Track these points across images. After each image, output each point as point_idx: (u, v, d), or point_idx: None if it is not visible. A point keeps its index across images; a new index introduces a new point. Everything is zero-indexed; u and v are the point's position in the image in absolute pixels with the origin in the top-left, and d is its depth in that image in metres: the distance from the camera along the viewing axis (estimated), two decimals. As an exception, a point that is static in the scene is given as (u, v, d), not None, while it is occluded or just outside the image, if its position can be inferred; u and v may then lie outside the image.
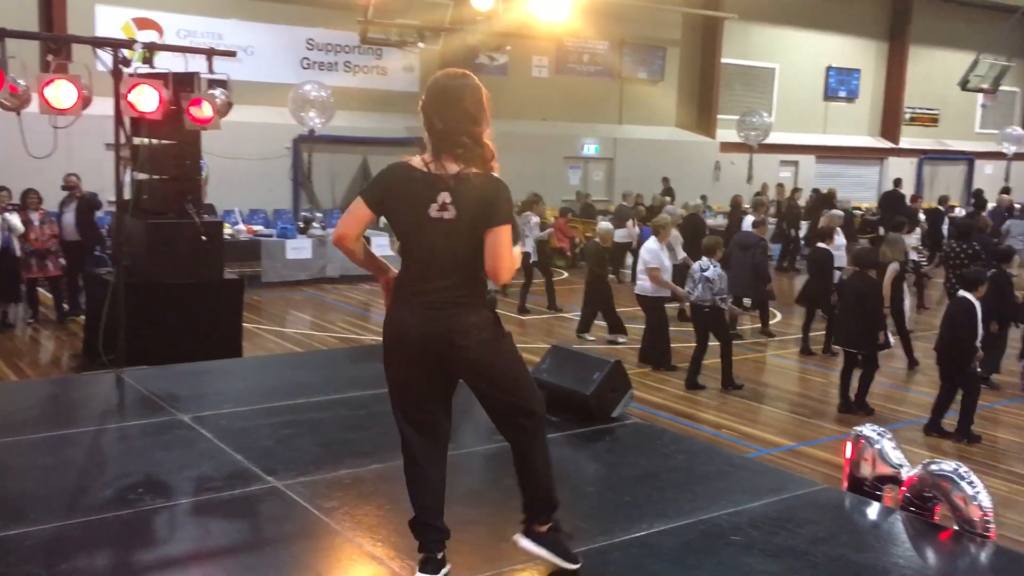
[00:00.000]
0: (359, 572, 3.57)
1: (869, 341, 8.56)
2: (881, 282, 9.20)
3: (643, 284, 9.93)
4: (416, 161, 3.23)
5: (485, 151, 3.18)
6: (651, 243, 10.07)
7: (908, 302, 11.56)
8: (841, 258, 11.09)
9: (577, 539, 3.89)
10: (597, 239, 11.36)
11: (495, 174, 3.22)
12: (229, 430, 5.10)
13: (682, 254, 11.96)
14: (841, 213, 13.88)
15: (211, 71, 7.92)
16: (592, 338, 11.11)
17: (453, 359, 3.27)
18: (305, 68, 17.24)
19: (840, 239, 11.75)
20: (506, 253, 3.16)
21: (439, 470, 3.47)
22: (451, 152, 3.15)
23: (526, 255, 12.79)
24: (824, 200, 18.31)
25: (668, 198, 18.37)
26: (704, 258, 9.32)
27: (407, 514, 4.15)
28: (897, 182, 20.84)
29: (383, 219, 3.55)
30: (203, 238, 8.17)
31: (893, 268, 10.00)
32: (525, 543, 3.46)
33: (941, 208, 18.30)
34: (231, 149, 14.90)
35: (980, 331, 7.90)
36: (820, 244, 11.27)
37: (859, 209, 20.55)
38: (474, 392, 3.43)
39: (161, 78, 7.58)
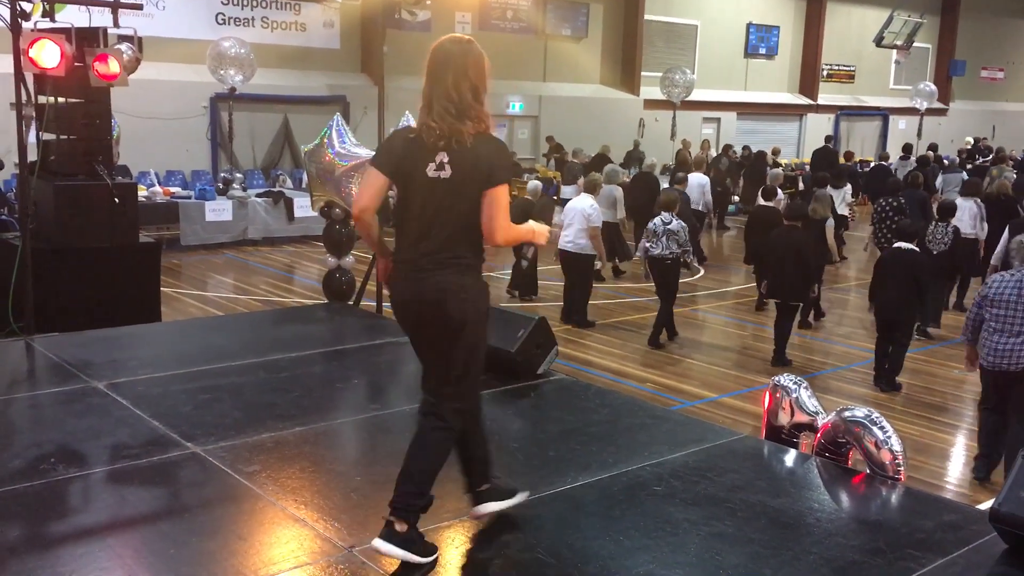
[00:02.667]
0: (283, 535, 3.53)
1: (803, 293, 8.82)
2: (809, 235, 9.33)
3: (581, 242, 9.64)
4: (415, 125, 3.27)
5: (482, 113, 3.21)
6: (591, 200, 9.88)
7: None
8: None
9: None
10: (528, 196, 11.34)
11: (493, 134, 3.27)
12: (146, 396, 4.98)
13: (621, 213, 12.11)
14: (780, 171, 14.19)
15: (116, 25, 7.60)
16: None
17: (436, 316, 3.25)
18: (220, 23, 16.70)
19: (780, 195, 12.09)
20: (502, 213, 3.19)
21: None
22: (450, 114, 3.16)
23: None
24: (758, 159, 18.56)
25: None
26: (664, 212, 9.30)
27: (331, 476, 4.14)
28: (828, 138, 21.28)
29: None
30: (115, 200, 7.89)
31: (830, 224, 10.18)
32: (379, 544, 3.19)
33: (885, 164, 18.53)
34: (145, 108, 14.41)
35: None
36: (764, 202, 11.46)
37: (789, 164, 20.90)
38: (428, 347, 3.39)
39: (63, 32, 7.24)
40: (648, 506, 3.83)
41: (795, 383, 4.73)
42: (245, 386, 5.32)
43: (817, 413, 4.61)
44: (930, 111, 25.96)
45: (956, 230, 10.06)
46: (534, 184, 11.81)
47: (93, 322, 6.83)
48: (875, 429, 4.21)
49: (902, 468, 4.18)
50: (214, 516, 3.72)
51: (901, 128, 28.12)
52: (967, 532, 3.69)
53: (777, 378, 4.82)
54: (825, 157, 18.91)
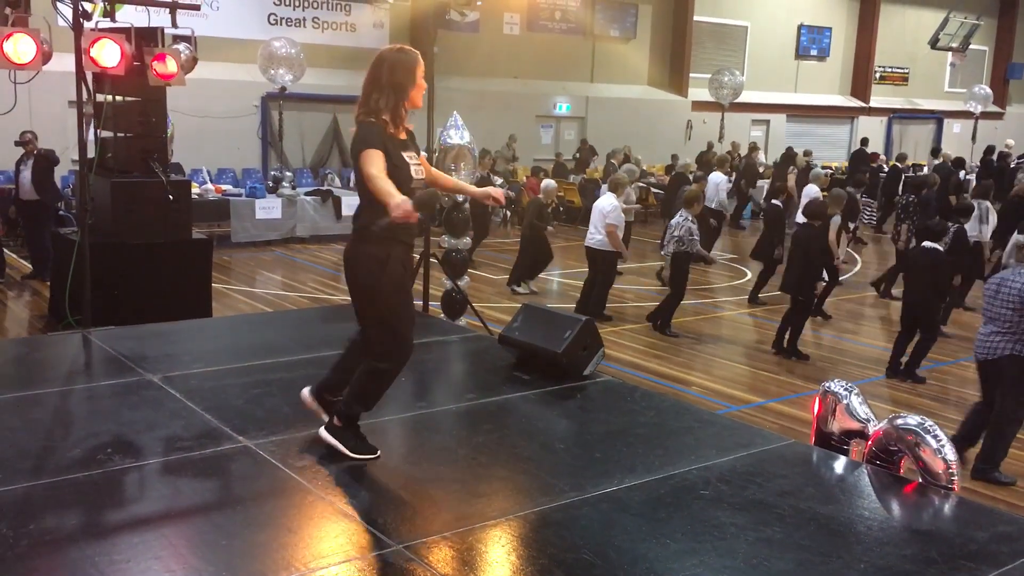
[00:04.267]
0: (332, 529, 3.58)
1: (806, 287, 8.89)
2: (823, 233, 9.45)
3: (599, 238, 10.02)
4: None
5: (376, 108, 3.99)
6: (612, 198, 10.16)
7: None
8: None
9: (548, 495, 3.93)
10: (540, 196, 11.88)
11: (369, 119, 3.99)
12: (199, 390, 5.07)
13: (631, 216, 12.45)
14: (822, 171, 14.23)
15: (174, 25, 7.75)
16: (523, 291, 11.48)
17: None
18: (272, 24, 16.93)
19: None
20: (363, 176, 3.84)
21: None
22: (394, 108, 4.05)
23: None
24: (786, 159, 18.47)
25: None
26: (682, 211, 9.74)
27: (379, 472, 4.18)
28: (864, 141, 21.09)
29: (353, 177, 4.54)
30: (170, 197, 8.05)
31: (835, 221, 10.23)
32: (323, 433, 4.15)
33: (899, 165, 18.50)
34: (198, 107, 14.67)
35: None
36: (774, 200, 11.81)
37: (828, 168, 20.67)
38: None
39: (123, 32, 7.40)
40: (695, 510, 3.81)
41: (846, 389, 4.67)
42: (295, 381, 5.37)
43: (868, 420, 4.55)
44: (985, 115, 25.43)
45: (961, 231, 9.94)
46: (549, 183, 12.17)
47: (147, 316, 6.97)
48: (928, 437, 4.14)
49: (955, 478, 4.11)
50: (265, 509, 3.78)
51: (956, 132, 27.58)
52: (1022, 544, 3.62)
53: (827, 384, 4.77)
54: (860, 159, 18.80)
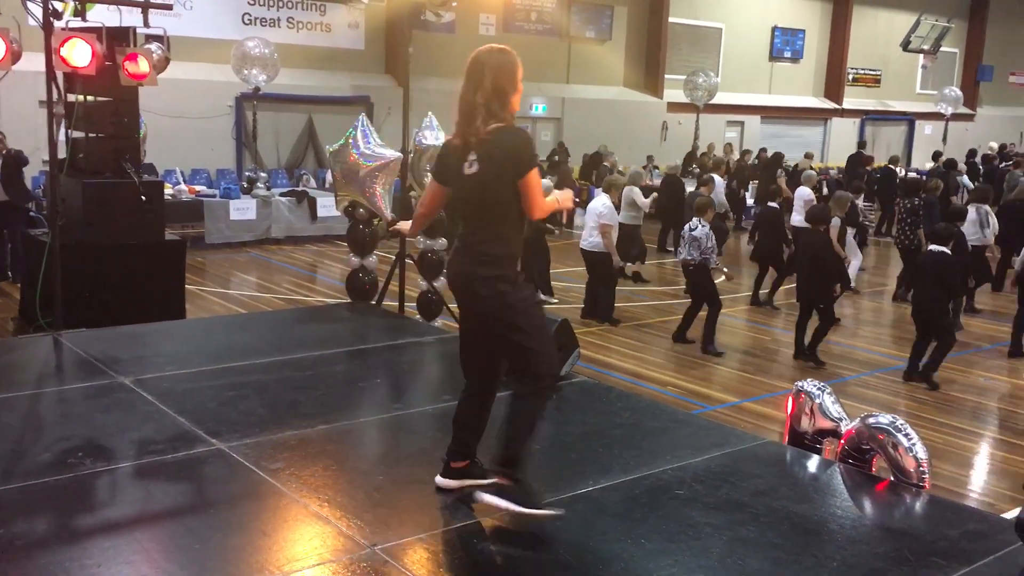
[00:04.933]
0: (306, 532, 3.56)
1: (825, 294, 8.85)
2: (827, 239, 9.39)
3: (594, 240, 9.94)
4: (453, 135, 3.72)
5: (506, 114, 3.58)
6: (605, 199, 10.12)
7: (856, 261, 11.89)
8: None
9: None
10: None
11: (515, 127, 3.60)
12: (171, 392, 5.03)
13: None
14: (814, 173, 14.26)
15: (147, 25, 7.68)
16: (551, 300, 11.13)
17: (474, 304, 3.64)
18: (246, 24, 16.81)
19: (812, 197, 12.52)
20: (539, 202, 3.57)
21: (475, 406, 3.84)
22: (472, 118, 3.57)
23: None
24: (773, 161, 18.52)
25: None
26: (695, 218, 9.37)
27: (354, 475, 4.17)
28: (861, 144, 21.30)
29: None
30: (142, 198, 7.97)
31: (835, 223, 10.24)
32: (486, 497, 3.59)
33: (892, 167, 18.50)
34: (171, 107, 14.53)
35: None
36: (770, 203, 11.65)
37: (814, 170, 20.69)
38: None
39: (94, 32, 7.32)
40: (670, 510, 3.83)
41: (818, 388, 4.71)
42: (269, 384, 5.36)
43: (841, 419, 4.59)
44: (956, 116, 25.72)
45: (959, 234, 9.99)
46: (546, 183, 11.83)
47: (119, 318, 6.90)
48: (900, 436, 4.18)
49: (927, 475, 4.16)
50: (238, 512, 3.75)
51: (927, 133, 27.87)
52: (992, 541, 3.66)
53: (800, 383, 4.80)
54: (855, 162, 18.89)
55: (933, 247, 8.38)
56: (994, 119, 29.49)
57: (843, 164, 21.51)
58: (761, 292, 11.48)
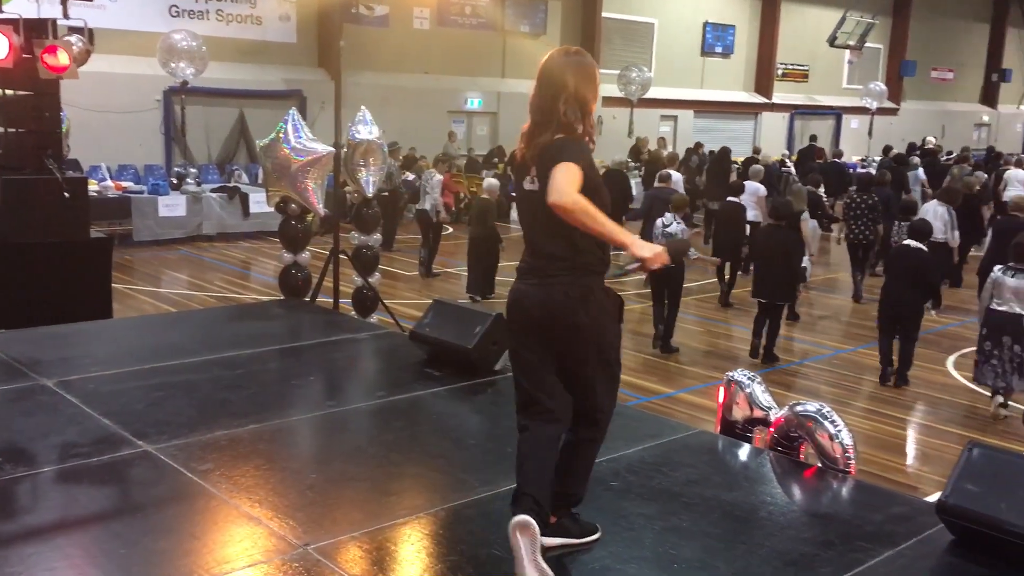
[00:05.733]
0: (237, 533, 3.50)
1: (791, 292, 8.88)
2: (796, 234, 9.38)
3: None
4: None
5: (573, 122, 3.17)
6: None
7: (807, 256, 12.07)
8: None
9: (459, 491, 3.92)
10: (485, 195, 11.33)
11: (572, 137, 3.18)
12: (97, 394, 4.90)
13: None
14: (761, 168, 14.36)
15: (66, 16, 7.47)
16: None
17: (551, 330, 3.21)
18: (174, 16, 16.44)
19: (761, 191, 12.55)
20: (557, 180, 3.00)
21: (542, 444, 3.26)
22: (544, 127, 3.19)
23: (423, 212, 12.51)
24: (722, 156, 18.65)
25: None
26: (668, 214, 9.26)
27: (286, 474, 4.10)
28: (813, 138, 21.67)
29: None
30: (65, 194, 7.74)
31: (806, 217, 10.29)
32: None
33: (837, 160, 18.68)
34: (97, 101, 14.16)
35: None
36: (731, 198, 11.54)
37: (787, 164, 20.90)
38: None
39: (11, 24, 7.09)
40: (604, 501, 3.85)
41: (749, 378, 4.79)
42: (199, 383, 5.26)
43: (770, 408, 4.67)
44: (882, 111, 26.38)
45: (931, 230, 10.14)
46: (491, 182, 11.72)
47: (42, 319, 6.69)
48: (826, 423, 4.27)
49: (852, 461, 4.25)
50: (166, 515, 3.67)
51: (853, 127, 28.54)
52: (915, 524, 3.76)
53: (731, 373, 4.88)
54: (810, 156, 19.21)
55: (910, 242, 8.28)
56: (917, 113, 30.35)
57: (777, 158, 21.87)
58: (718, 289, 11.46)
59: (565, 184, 2.99)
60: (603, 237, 3.08)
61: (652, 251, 3.11)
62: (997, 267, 7.39)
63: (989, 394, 7.60)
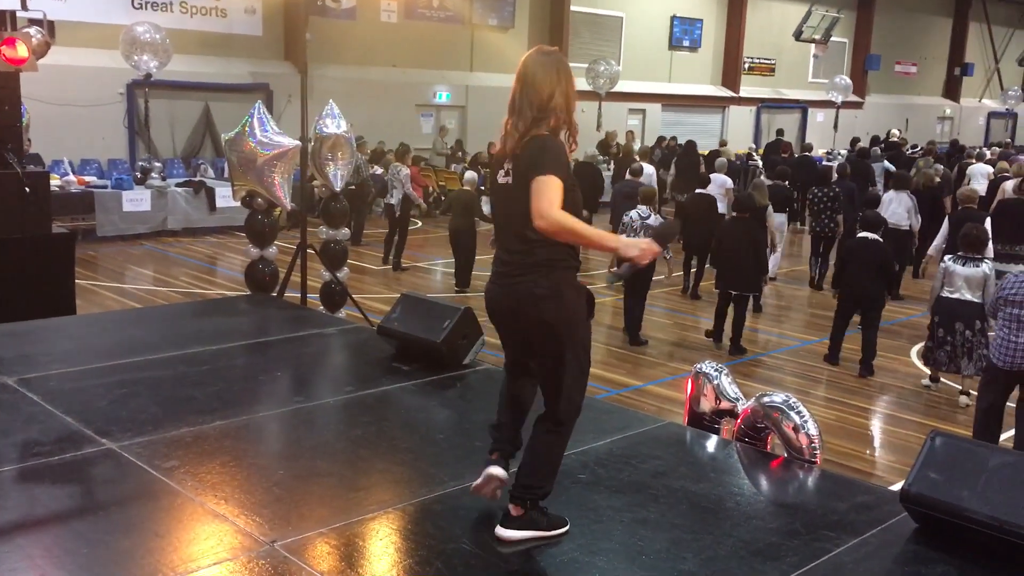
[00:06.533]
0: (202, 531, 3.46)
1: (757, 283, 8.99)
2: (760, 226, 9.50)
3: None
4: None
5: (558, 122, 3.26)
6: None
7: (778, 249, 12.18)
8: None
9: (428, 486, 3.91)
10: (467, 187, 11.32)
11: (550, 135, 3.25)
12: (59, 392, 4.83)
13: None
14: (725, 160, 14.40)
15: (25, 8, 7.33)
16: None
17: (520, 321, 3.33)
18: (137, 8, 16.21)
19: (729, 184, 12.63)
20: (540, 201, 3.06)
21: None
22: (522, 124, 3.25)
23: (390, 207, 12.50)
24: (689, 149, 18.72)
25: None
26: (641, 206, 9.22)
27: (252, 470, 4.07)
28: (780, 132, 21.84)
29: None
30: (26, 189, 7.61)
31: (771, 212, 10.42)
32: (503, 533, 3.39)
33: (808, 155, 18.78)
34: (59, 95, 13.95)
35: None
36: (700, 191, 11.55)
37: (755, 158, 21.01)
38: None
39: (-32, 15, 6.96)
40: (572, 494, 3.86)
41: (716, 370, 4.82)
42: (164, 380, 5.20)
43: (737, 399, 4.71)
44: (847, 104, 26.62)
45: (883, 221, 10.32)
46: (471, 175, 11.69)
47: (3, 316, 6.57)
48: (792, 414, 4.31)
49: (818, 451, 4.30)
50: (130, 514, 3.63)
51: (819, 121, 28.79)
52: (879, 512, 3.81)
53: (699, 365, 4.90)
54: (776, 150, 19.34)
55: (865, 234, 8.47)
56: (881, 107, 30.68)
57: (744, 151, 22.03)
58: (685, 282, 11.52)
59: (547, 206, 3.06)
60: (591, 248, 3.20)
61: (640, 248, 3.21)
62: (947, 256, 7.60)
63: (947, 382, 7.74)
